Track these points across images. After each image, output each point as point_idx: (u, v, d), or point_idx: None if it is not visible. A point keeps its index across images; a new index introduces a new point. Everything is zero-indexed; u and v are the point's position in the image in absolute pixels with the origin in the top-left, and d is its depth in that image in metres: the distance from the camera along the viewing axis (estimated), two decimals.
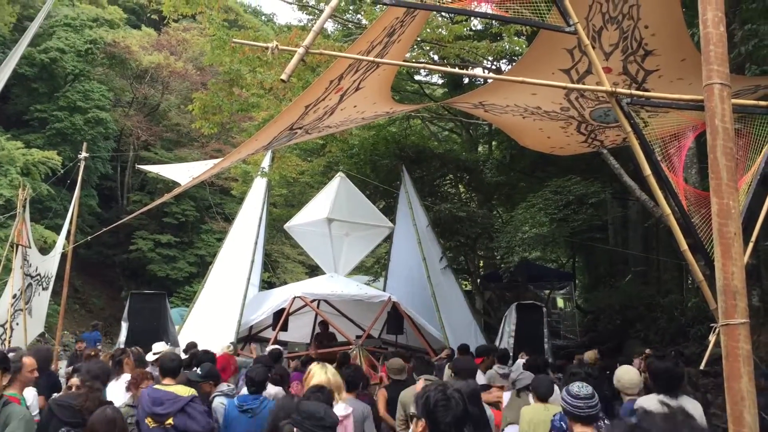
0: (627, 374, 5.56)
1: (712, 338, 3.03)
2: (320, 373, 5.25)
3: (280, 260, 34.21)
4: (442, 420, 2.76)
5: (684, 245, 3.11)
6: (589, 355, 11.04)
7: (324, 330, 13.76)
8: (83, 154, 14.71)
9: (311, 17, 16.98)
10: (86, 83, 31.04)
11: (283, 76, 2.68)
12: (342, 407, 5.18)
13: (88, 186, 29.42)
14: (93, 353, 8.50)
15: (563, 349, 17.24)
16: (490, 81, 8.49)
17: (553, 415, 4.96)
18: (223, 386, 6.58)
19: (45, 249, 17.80)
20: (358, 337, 13.09)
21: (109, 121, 31.44)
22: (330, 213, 15.02)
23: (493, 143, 22.28)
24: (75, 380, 5.60)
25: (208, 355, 7.67)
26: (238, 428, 5.63)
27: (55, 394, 5.92)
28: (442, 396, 2.82)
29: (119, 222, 12.78)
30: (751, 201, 3.51)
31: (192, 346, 9.95)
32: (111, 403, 4.91)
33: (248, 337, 14.59)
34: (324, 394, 4.58)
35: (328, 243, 15.53)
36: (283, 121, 6.05)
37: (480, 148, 23.08)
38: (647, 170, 3.11)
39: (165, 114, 37.25)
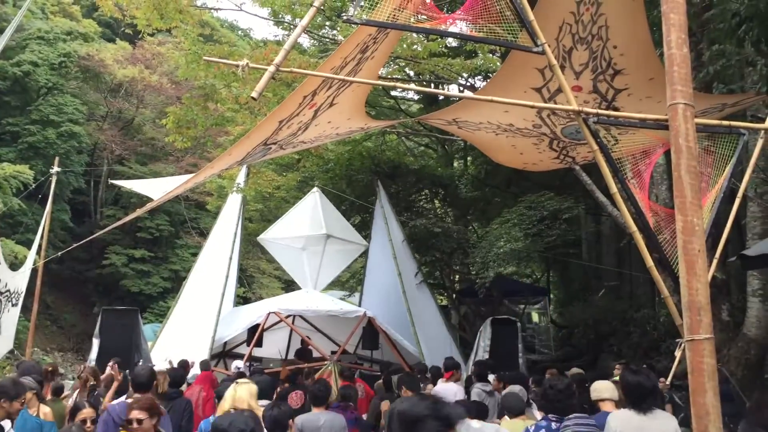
0: (601, 383, 5.66)
1: (678, 353, 3.08)
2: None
3: (256, 275, 33.97)
4: None
5: (650, 262, 3.16)
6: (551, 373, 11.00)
7: (304, 346, 13.76)
8: (55, 169, 14.60)
9: (287, 32, 17.02)
10: (59, 97, 30.71)
11: (254, 94, 2.69)
12: None
13: (61, 200, 29.04)
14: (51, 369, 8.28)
15: (538, 363, 17.32)
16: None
17: (524, 429, 4.99)
18: None
19: (16, 264, 17.54)
20: (333, 352, 13.04)
21: (82, 135, 31.11)
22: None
23: (469, 159, 22.41)
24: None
25: (179, 373, 7.68)
26: None
27: None
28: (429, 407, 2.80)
29: (92, 237, 12.66)
30: (716, 217, 3.59)
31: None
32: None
33: (222, 353, 14.47)
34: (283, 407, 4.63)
35: (304, 258, 15.49)
36: (257, 137, 6.05)
37: (455, 164, 23.19)
38: (613, 188, 3.17)
39: (140, 128, 36.93)
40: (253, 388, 5.31)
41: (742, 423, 5.84)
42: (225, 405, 5.04)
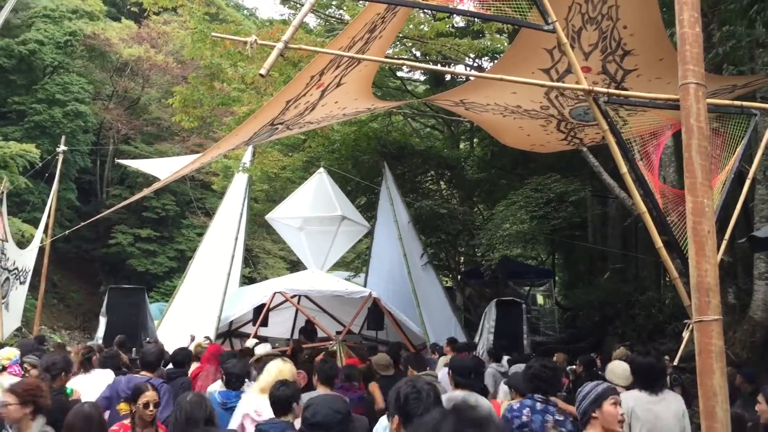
0: (620, 367, 5.67)
1: (686, 334, 3.08)
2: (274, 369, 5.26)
3: (261, 255, 34.05)
4: (414, 413, 2.76)
5: (659, 243, 3.15)
6: (559, 356, 11.04)
7: (309, 325, 13.82)
8: (61, 147, 14.62)
9: (293, 11, 16.93)
10: (65, 75, 30.63)
11: (262, 71, 2.67)
12: None
13: (67, 179, 29.06)
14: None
15: (542, 345, 17.37)
16: (471, 79, 8.51)
17: (507, 406, 5.03)
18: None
19: (23, 243, 17.60)
20: (338, 332, 13.10)
21: (88, 114, 31.06)
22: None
23: (475, 140, 22.33)
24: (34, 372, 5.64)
25: (184, 352, 7.71)
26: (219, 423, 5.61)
27: None
28: (413, 389, 2.82)
29: (98, 216, 12.70)
30: (726, 199, 3.57)
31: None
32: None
33: (228, 332, 14.54)
34: (289, 387, 4.58)
35: (312, 238, 15.47)
36: (263, 117, 6.03)
37: (461, 145, 23.13)
38: (623, 168, 3.15)
39: (145, 107, 36.87)
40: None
41: (738, 401, 5.87)
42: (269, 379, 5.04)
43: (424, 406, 2.76)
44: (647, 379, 4.74)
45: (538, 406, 4.73)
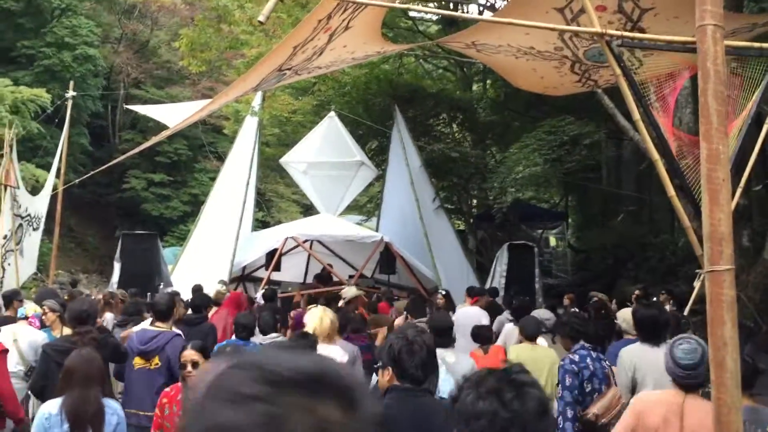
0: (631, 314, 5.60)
1: (697, 284, 3.03)
2: (313, 318, 5.33)
3: (275, 199, 34.10)
4: (409, 365, 2.82)
5: (671, 191, 3.07)
6: (568, 298, 11.01)
7: (324, 271, 13.91)
8: (70, 92, 14.53)
9: None
10: (73, 18, 30.25)
11: (261, 18, 2.58)
12: (337, 351, 5.22)
13: (79, 124, 28.98)
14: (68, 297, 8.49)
15: (554, 287, 17.42)
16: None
17: (562, 359, 4.84)
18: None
19: (37, 188, 17.68)
20: (350, 276, 13.17)
21: (98, 58, 30.79)
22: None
23: (488, 82, 21.96)
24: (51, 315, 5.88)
25: (200, 295, 7.78)
26: None
27: None
28: (405, 342, 2.87)
29: (111, 163, 12.70)
30: (743, 143, 3.47)
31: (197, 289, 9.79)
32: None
33: (241, 276, 14.67)
34: (309, 341, 4.63)
35: (324, 183, 15.43)
36: (271, 62, 5.93)
37: (474, 87, 22.76)
38: (636, 114, 3.05)
39: (155, 51, 36.49)
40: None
41: (748, 345, 5.85)
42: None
43: (419, 357, 2.82)
44: (651, 332, 4.67)
45: (594, 354, 4.70)
